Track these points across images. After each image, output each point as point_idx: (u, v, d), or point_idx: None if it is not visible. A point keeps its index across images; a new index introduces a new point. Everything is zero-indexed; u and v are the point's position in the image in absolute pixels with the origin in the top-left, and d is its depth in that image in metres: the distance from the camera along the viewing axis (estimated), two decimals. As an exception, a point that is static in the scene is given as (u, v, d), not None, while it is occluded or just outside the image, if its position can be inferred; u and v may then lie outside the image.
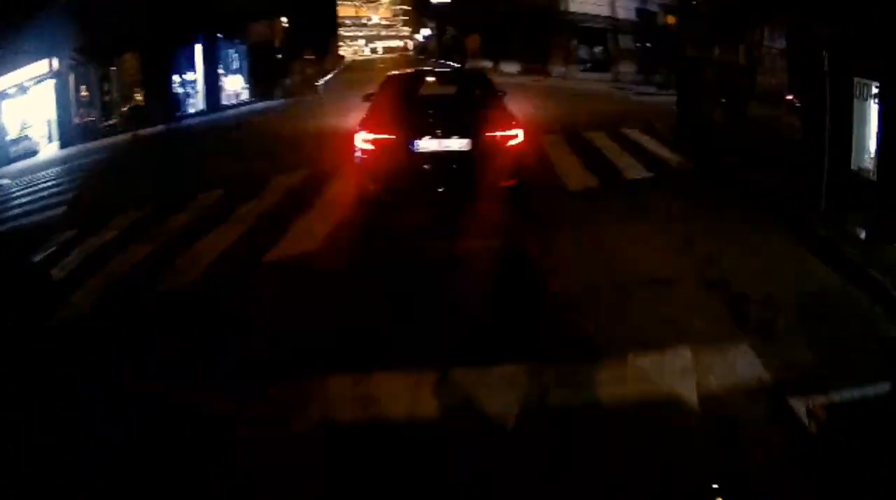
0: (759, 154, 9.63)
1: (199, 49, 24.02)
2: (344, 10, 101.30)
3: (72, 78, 19.47)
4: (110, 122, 20.99)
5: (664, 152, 11.27)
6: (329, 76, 37.04)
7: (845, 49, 6.53)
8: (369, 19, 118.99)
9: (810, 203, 6.87)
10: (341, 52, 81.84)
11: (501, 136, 7.67)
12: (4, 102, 17.44)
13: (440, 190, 7.68)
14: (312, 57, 41.59)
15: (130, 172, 13.67)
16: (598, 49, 36.91)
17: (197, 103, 24.49)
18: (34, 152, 18.44)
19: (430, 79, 10.93)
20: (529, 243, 6.68)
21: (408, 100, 8.83)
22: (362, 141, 7.70)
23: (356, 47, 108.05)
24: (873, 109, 6.24)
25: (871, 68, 6.25)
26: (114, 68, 21.63)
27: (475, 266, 6.01)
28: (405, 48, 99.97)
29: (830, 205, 6.69)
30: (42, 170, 15.76)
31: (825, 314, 4.85)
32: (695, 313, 4.85)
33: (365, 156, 7.72)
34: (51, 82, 18.64)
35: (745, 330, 4.58)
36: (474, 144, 7.58)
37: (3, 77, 16.80)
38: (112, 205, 9.45)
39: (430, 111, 8.38)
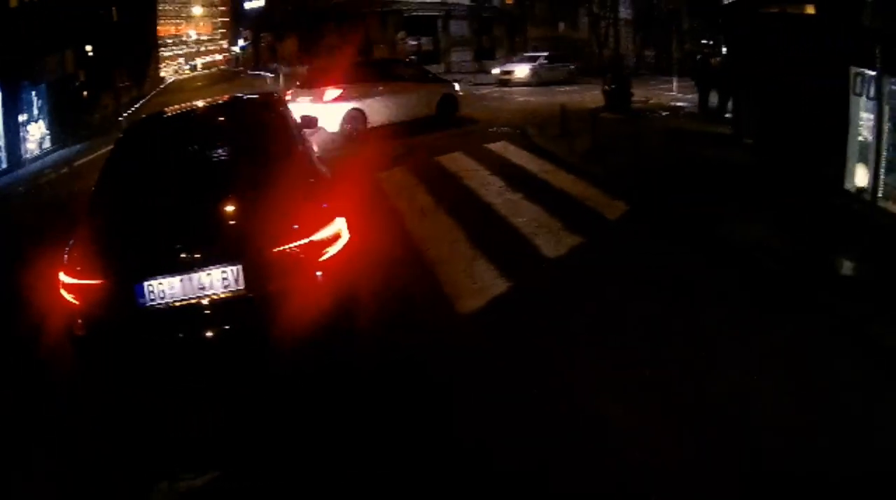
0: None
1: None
2: (164, 30, 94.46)
3: None
4: None
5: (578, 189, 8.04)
6: (137, 105, 32.31)
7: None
8: (189, 36, 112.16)
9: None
10: (162, 74, 75.84)
11: (301, 246, 3.78)
12: None
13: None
14: (128, 83, 37.34)
15: None
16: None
17: None
18: None
19: (190, 128, 5.31)
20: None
21: (145, 184, 4.38)
22: (65, 291, 3.82)
23: (177, 66, 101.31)
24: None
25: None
26: None
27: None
28: (222, 61, 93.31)
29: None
30: None
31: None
32: None
33: (72, 319, 3.82)
34: None
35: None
36: (250, 277, 3.69)
37: None
38: None
39: (176, 209, 4.03)
